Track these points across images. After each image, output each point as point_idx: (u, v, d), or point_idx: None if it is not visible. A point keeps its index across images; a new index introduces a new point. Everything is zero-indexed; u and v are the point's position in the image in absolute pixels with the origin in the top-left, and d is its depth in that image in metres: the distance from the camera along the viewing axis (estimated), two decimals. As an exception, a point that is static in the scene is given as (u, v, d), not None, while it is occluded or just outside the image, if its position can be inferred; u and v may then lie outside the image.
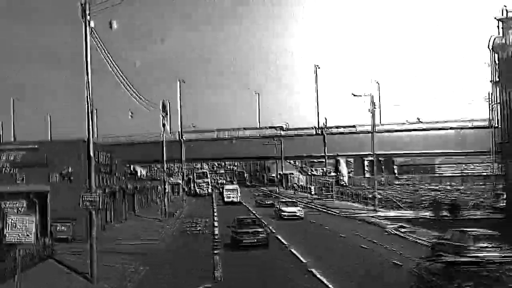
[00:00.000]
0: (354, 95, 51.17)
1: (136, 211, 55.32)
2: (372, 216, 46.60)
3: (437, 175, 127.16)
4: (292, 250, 29.68)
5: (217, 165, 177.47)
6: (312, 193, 68.06)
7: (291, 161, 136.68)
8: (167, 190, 50.35)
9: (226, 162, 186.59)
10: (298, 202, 57.05)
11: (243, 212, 50.32)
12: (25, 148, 35.51)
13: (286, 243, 32.56)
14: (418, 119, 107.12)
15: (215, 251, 29.73)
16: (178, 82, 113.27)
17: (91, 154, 22.92)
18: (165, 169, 50.01)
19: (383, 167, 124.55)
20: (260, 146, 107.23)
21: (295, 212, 46.62)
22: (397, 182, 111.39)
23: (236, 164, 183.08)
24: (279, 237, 34.99)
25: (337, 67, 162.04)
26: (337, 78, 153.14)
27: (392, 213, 48.15)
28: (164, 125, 48.23)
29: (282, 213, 46.96)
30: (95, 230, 22.58)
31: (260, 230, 31.09)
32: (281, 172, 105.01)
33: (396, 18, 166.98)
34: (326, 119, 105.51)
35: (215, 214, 53.86)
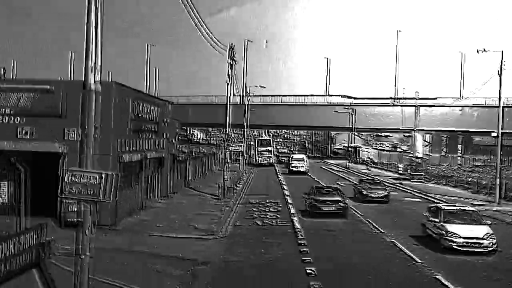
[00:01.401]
0: (479, 51, 37.52)
1: (189, 182, 43.69)
2: (500, 212, 33.39)
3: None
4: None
5: (273, 133, 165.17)
6: (400, 171, 54.52)
7: (355, 133, 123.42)
8: (227, 160, 38.24)
9: (283, 131, 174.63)
10: (384, 183, 42.41)
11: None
12: (33, 89, 23.86)
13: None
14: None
15: (308, 269, 17.45)
16: (244, 42, 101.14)
17: (95, 87, 10.77)
18: (228, 131, 37.78)
19: (460, 145, 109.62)
20: (327, 115, 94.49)
21: None
22: (477, 163, 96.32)
23: (295, 133, 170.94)
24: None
25: (416, 35, 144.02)
26: (417, 47, 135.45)
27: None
28: (229, 76, 36.00)
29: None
30: (88, 250, 10.60)
31: (339, 199, 29.44)
32: (351, 145, 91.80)
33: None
34: (404, 89, 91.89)
35: (286, 193, 41.64)
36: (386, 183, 42.68)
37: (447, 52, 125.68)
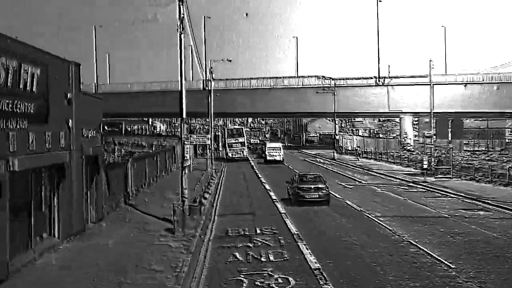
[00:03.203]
0: None
1: (131, 196, 27.64)
2: None
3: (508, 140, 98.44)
4: None
5: (239, 122, 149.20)
6: (425, 167, 39.04)
7: (329, 119, 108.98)
8: (186, 160, 22.27)
9: (249, 119, 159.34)
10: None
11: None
12: None
13: None
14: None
15: None
16: (203, 19, 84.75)
17: None
18: (184, 117, 21.51)
19: (450, 129, 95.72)
20: (299, 100, 79.65)
21: None
22: (469, 149, 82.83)
23: (263, 122, 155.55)
24: None
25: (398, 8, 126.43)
26: (399, 21, 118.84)
27: None
28: (180, 34, 20.07)
29: None
30: None
31: (322, 186, 27.03)
32: (329, 132, 76.97)
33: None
34: (390, 67, 77.61)
35: (280, 208, 26.10)
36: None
37: (430, 27, 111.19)
